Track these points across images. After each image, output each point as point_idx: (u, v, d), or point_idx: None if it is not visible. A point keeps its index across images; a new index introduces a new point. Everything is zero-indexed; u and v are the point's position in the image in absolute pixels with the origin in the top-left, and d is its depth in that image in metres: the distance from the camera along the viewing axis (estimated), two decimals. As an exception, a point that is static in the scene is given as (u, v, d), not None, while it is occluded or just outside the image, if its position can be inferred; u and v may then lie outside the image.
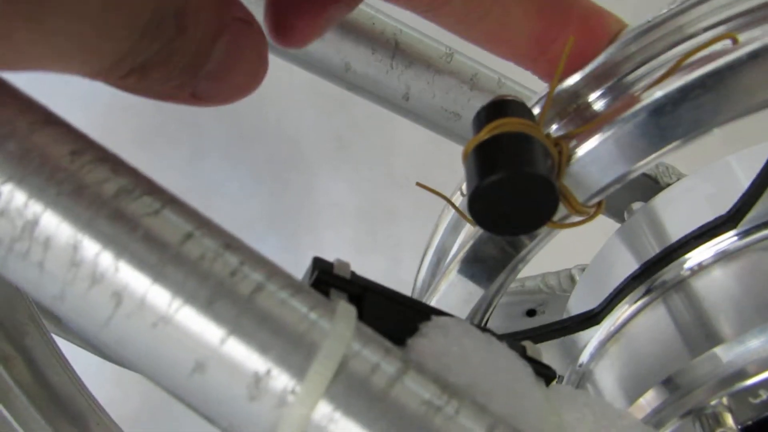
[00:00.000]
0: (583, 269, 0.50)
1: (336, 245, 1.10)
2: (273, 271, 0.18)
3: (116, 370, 0.67)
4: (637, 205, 0.44)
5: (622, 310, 0.35)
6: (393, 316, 0.22)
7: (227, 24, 0.19)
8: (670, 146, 0.24)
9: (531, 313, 0.51)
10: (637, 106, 0.23)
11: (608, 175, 0.24)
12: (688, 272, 0.33)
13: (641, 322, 0.34)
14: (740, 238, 0.34)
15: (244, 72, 0.20)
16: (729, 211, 0.33)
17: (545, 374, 0.22)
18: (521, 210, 0.21)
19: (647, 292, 0.35)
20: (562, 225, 0.26)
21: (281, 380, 0.17)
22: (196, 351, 0.17)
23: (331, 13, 0.22)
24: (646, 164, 0.24)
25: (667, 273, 0.34)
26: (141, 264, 0.17)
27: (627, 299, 0.35)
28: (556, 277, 0.50)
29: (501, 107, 0.23)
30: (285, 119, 1.14)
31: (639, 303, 0.35)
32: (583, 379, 0.37)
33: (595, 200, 0.25)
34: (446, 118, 0.42)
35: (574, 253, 0.52)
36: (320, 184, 1.12)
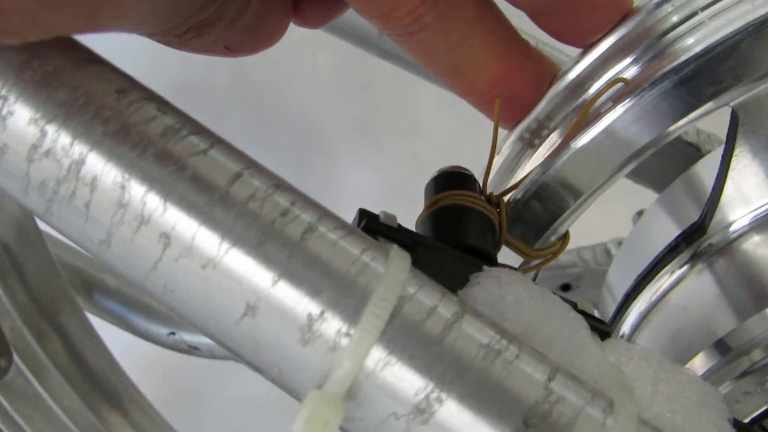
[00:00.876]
0: (619, 243, 0.49)
1: (359, 230, 1.09)
2: (324, 212, 0.18)
3: (144, 356, 0.67)
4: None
5: (664, 279, 0.34)
6: (444, 267, 0.21)
7: None
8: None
9: (566, 287, 0.50)
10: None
11: (561, 212, 0.27)
12: (728, 239, 0.32)
13: (683, 290, 0.33)
14: None
15: (272, 25, 0.21)
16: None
17: (600, 329, 0.22)
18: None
19: (690, 259, 0.34)
20: (527, 269, 0.28)
21: (334, 323, 0.17)
22: (246, 294, 0.17)
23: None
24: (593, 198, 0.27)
25: (712, 238, 0.33)
26: (189, 205, 0.17)
27: (667, 268, 0.34)
28: (591, 251, 0.49)
29: (444, 180, 0.26)
30: (307, 105, 1.13)
31: (680, 271, 0.33)
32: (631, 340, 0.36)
33: (554, 238, 0.27)
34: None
35: (609, 227, 0.51)
36: (343, 169, 1.12)
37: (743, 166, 0.31)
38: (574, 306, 0.23)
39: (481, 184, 0.26)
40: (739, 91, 0.25)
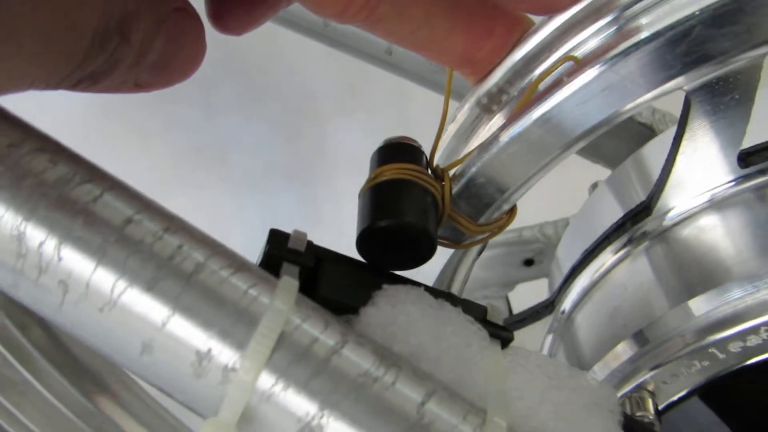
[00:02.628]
0: (581, 217, 0.50)
1: (352, 194, 1.10)
2: (214, 251, 0.19)
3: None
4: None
5: (607, 257, 0.35)
6: (350, 284, 0.22)
7: (166, 17, 0.19)
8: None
9: (529, 262, 0.51)
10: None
11: (507, 188, 0.26)
12: (671, 222, 0.33)
13: (622, 272, 0.34)
14: (735, 185, 0.33)
15: (183, 58, 0.21)
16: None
17: (502, 337, 0.23)
18: (403, 250, 0.23)
19: (634, 239, 0.35)
20: (471, 243, 0.27)
21: (223, 356, 0.18)
22: (141, 333, 0.18)
23: (271, 3, 0.22)
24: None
25: (650, 223, 0.33)
26: (83, 251, 0.18)
27: (611, 247, 0.35)
28: (553, 226, 0.50)
29: (387, 152, 0.25)
30: (296, 70, 1.13)
31: (621, 252, 0.34)
32: (565, 326, 0.37)
33: (499, 213, 0.27)
34: (432, 71, 0.42)
35: (572, 202, 0.52)
36: (335, 134, 1.12)
37: (693, 150, 0.31)
38: (484, 313, 0.24)
39: (429, 156, 0.26)
40: (691, 75, 0.25)
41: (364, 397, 0.18)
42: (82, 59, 0.17)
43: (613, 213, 0.37)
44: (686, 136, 0.29)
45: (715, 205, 0.31)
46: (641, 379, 0.28)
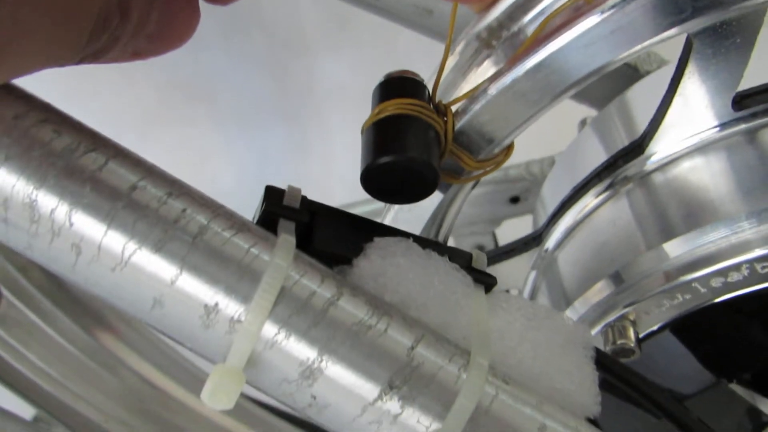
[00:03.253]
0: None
1: (342, 128, 1.10)
2: (216, 212, 0.20)
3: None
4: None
5: (593, 197, 0.37)
6: (344, 236, 0.24)
7: None
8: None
9: (515, 200, 0.53)
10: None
11: (509, 125, 0.26)
12: (658, 164, 0.34)
13: (605, 213, 0.36)
14: (727, 127, 0.33)
15: (178, 26, 0.21)
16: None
17: (485, 282, 0.25)
18: (407, 184, 0.24)
19: (613, 183, 0.36)
20: (469, 179, 0.28)
21: (230, 309, 0.20)
22: (152, 289, 0.19)
23: None
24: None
25: (636, 165, 0.34)
26: (93, 217, 0.19)
27: (593, 190, 0.36)
28: (539, 164, 0.51)
29: (390, 87, 0.25)
30: (283, 2, 1.10)
31: (604, 194, 0.36)
32: (548, 264, 0.39)
33: (498, 150, 0.27)
34: (418, 14, 0.42)
35: (559, 140, 0.53)
36: (323, 67, 1.11)
37: (690, 92, 0.31)
38: (469, 260, 0.26)
39: (431, 91, 0.26)
40: (700, 20, 0.25)
41: (359, 343, 0.20)
42: (88, 39, 0.18)
43: (598, 155, 0.38)
44: (685, 77, 0.30)
45: (705, 147, 0.32)
46: (614, 317, 0.31)
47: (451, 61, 0.29)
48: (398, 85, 0.25)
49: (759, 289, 0.28)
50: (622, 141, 0.37)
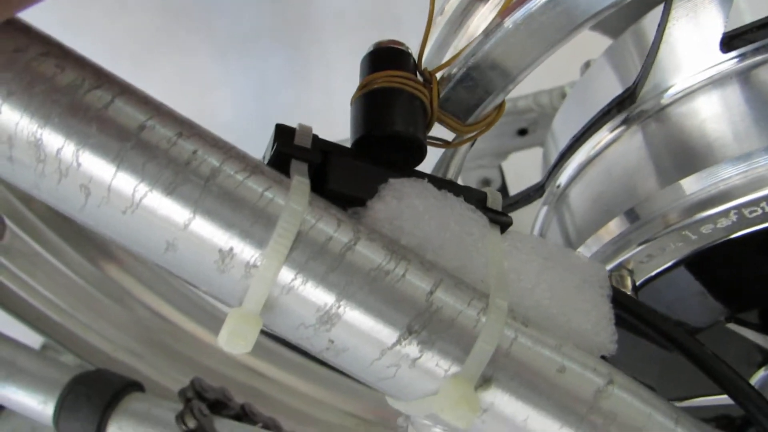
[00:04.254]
0: (576, 87, 0.50)
1: (342, 57, 1.08)
2: (228, 154, 0.19)
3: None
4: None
5: (599, 138, 0.36)
6: (358, 177, 0.23)
7: None
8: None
9: (522, 132, 0.52)
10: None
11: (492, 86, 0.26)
12: (665, 102, 0.33)
13: (617, 150, 0.35)
14: (737, 62, 0.32)
15: None
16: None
17: (501, 221, 0.24)
18: (396, 156, 0.24)
19: (621, 123, 0.35)
20: (461, 142, 0.28)
21: (245, 254, 0.19)
22: (165, 233, 0.19)
23: None
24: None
25: (641, 105, 0.33)
26: (101, 157, 0.18)
27: (603, 129, 0.35)
28: (548, 95, 0.50)
29: (377, 59, 0.26)
30: None
31: (616, 131, 0.35)
32: (559, 200, 0.38)
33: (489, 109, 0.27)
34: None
35: (568, 69, 0.51)
36: (322, -9, 1.07)
37: (675, 39, 0.31)
38: (484, 200, 0.25)
39: (417, 59, 0.26)
40: None
41: (377, 289, 0.19)
42: None
43: (612, 89, 0.37)
44: (669, 24, 0.29)
45: (709, 84, 0.31)
46: (629, 254, 0.30)
47: (441, 20, 0.28)
48: (384, 57, 0.26)
49: (760, 228, 0.27)
50: (631, 78, 0.36)
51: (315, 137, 0.23)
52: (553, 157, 0.40)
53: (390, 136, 0.24)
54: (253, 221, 0.19)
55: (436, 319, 0.20)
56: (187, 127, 0.19)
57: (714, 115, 0.30)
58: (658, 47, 0.32)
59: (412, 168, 0.25)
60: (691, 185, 0.29)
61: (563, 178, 0.38)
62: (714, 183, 0.28)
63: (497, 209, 0.25)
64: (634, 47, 0.38)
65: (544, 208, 0.40)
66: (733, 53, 0.30)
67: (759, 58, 0.30)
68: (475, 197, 0.25)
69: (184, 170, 0.19)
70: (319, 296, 0.19)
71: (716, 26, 0.30)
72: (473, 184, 0.55)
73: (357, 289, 0.19)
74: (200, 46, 1.03)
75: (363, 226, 0.20)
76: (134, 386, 0.45)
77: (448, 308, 0.20)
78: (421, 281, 0.20)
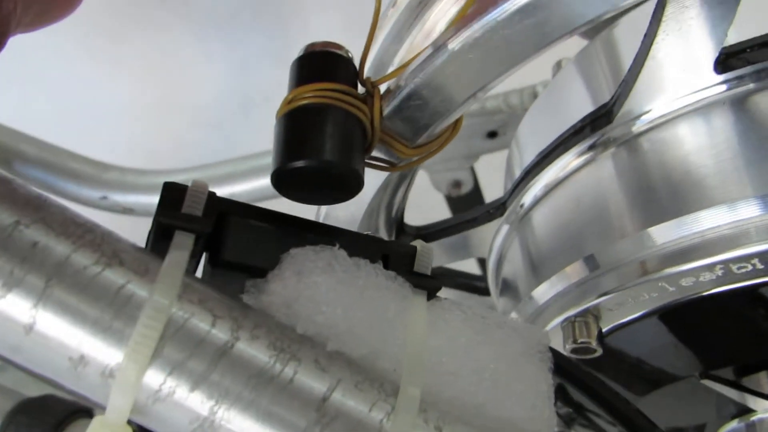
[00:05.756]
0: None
1: (325, 29, 1.03)
2: (79, 243, 0.16)
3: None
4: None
5: (571, 158, 0.32)
6: (259, 243, 0.20)
7: None
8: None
9: (492, 134, 0.48)
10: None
11: (464, 91, 0.22)
12: (639, 129, 0.28)
13: (590, 174, 0.31)
14: (733, 86, 0.27)
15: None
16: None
17: (428, 287, 0.21)
18: (326, 188, 0.21)
19: (594, 146, 0.31)
20: (408, 165, 0.24)
21: (100, 361, 0.16)
22: (6, 336, 0.16)
23: None
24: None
25: (616, 129, 0.30)
26: None
27: (574, 150, 0.31)
28: (518, 95, 0.46)
29: (307, 66, 0.21)
30: None
31: (585, 156, 0.31)
32: (522, 221, 0.35)
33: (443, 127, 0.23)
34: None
35: (541, 67, 0.48)
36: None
37: (664, 55, 0.26)
38: (411, 258, 0.22)
39: (358, 66, 0.22)
40: None
41: (260, 396, 0.17)
42: None
43: (583, 103, 0.33)
44: (658, 38, 0.25)
45: (696, 110, 0.27)
46: (597, 301, 0.27)
47: (393, 13, 0.24)
48: (318, 65, 0.22)
49: (748, 285, 0.24)
50: (608, 91, 0.32)
51: (211, 197, 0.20)
52: (517, 171, 0.37)
53: (318, 167, 0.20)
54: (108, 325, 0.16)
55: (331, 429, 0.17)
56: (29, 212, 0.16)
57: (700, 148, 0.26)
58: (642, 63, 0.27)
59: (347, 199, 0.22)
60: (669, 232, 0.25)
61: (527, 198, 0.35)
62: (698, 232, 0.25)
63: (426, 268, 0.22)
64: (605, 59, 0.35)
65: (506, 227, 0.37)
66: (729, 75, 0.26)
67: (760, 83, 0.26)
68: (401, 256, 0.22)
69: (21, 266, 0.16)
70: (193, 404, 0.17)
71: (710, 44, 0.26)
72: (443, 187, 0.52)
73: (236, 398, 0.16)
74: (178, 22, 0.99)
75: (248, 319, 0.17)
76: (80, 413, 0.42)
77: (346, 415, 0.17)
78: (314, 384, 0.17)
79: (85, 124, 0.94)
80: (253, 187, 0.49)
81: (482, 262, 0.47)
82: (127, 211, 0.52)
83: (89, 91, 0.97)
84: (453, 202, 0.54)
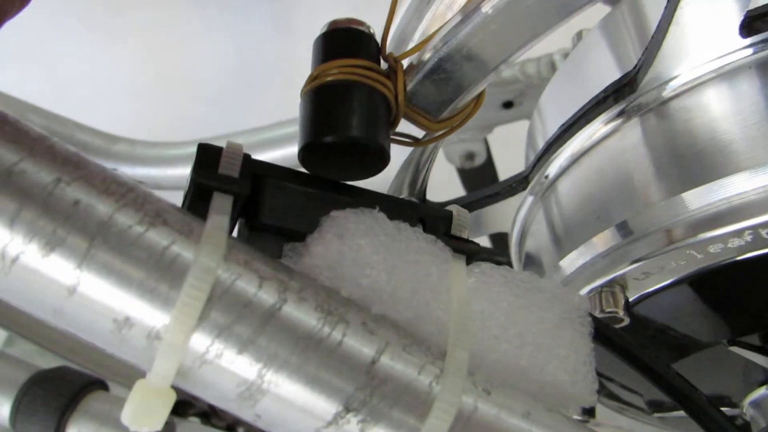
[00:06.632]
0: (565, 55, 0.45)
1: (328, 5, 1.02)
2: (122, 202, 0.16)
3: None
4: None
5: (596, 128, 0.31)
6: (296, 205, 0.20)
7: None
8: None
9: (508, 105, 0.47)
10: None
11: (492, 60, 0.22)
12: (675, 92, 0.27)
13: (614, 144, 0.30)
14: (759, 50, 0.26)
15: None
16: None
17: (467, 250, 0.21)
18: (352, 163, 0.21)
19: (621, 113, 0.30)
20: (432, 140, 0.24)
21: (146, 323, 0.16)
22: (48, 298, 0.16)
23: None
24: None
25: (643, 95, 0.29)
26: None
27: (600, 118, 0.31)
28: (535, 64, 0.45)
29: (331, 43, 0.21)
30: None
31: (612, 124, 0.30)
32: (547, 192, 0.35)
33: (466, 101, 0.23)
34: None
35: (557, 34, 0.47)
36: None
37: (688, 19, 0.26)
38: (448, 221, 0.22)
39: (381, 42, 0.22)
40: None
41: (309, 360, 0.16)
42: None
43: (608, 72, 0.33)
44: (682, 3, 0.24)
45: (722, 75, 0.26)
46: (623, 270, 0.27)
47: None
48: (340, 41, 0.21)
49: None
50: (635, 57, 0.32)
51: (246, 159, 0.20)
52: (540, 142, 0.37)
53: (345, 142, 0.20)
54: (154, 286, 0.16)
55: (380, 393, 0.16)
56: (69, 170, 0.16)
57: (727, 113, 0.26)
58: (666, 30, 0.27)
59: (373, 174, 0.21)
60: (699, 199, 0.25)
61: (552, 169, 0.34)
62: (726, 198, 0.24)
63: (463, 233, 0.21)
64: (632, 24, 0.34)
65: (530, 198, 0.36)
66: (755, 38, 0.26)
67: None
68: (438, 221, 0.21)
69: (63, 225, 0.15)
70: (239, 369, 0.16)
71: (735, 7, 0.26)
72: (456, 159, 0.52)
73: (283, 363, 0.16)
74: (176, -4, 0.97)
75: (294, 281, 0.17)
76: (96, 384, 0.42)
77: (395, 379, 0.17)
78: (363, 347, 0.17)
79: (84, 99, 0.93)
80: (267, 158, 0.48)
81: (497, 238, 0.47)
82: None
83: (88, 66, 0.95)
84: (465, 174, 0.54)
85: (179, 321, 0.16)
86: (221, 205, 0.18)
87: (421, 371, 0.17)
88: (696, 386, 0.23)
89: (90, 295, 0.15)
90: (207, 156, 0.19)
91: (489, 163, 0.52)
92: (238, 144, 0.20)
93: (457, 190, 0.64)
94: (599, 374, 0.21)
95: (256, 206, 0.19)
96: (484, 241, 0.53)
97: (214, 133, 0.70)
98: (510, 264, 0.39)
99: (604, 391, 0.32)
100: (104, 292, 0.15)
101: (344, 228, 0.19)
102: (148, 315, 0.16)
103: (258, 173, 0.20)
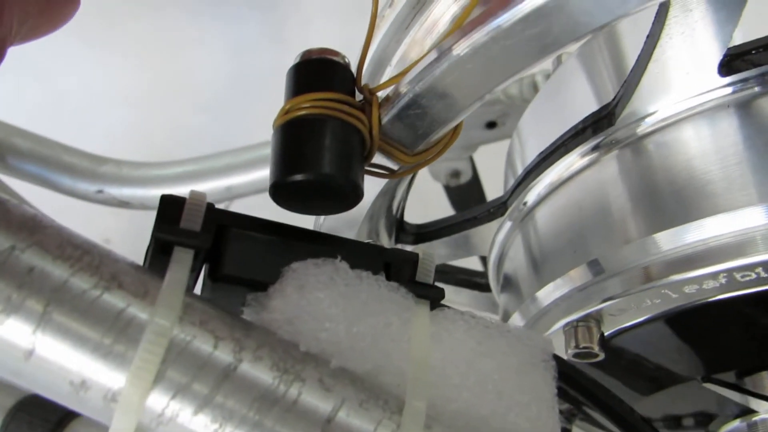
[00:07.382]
0: (547, 75, 0.46)
1: (321, 14, 1.02)
2: (77, 266, 0.16)
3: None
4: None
5: (573, 159, 0.31)
6: (260, 256, 0.20)
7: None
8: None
9: (491, 125, 0.48)
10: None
11: (465, 99, 0.22)
12: (652, 127, 0.27)
13: (592, 176, 0.30)
14: (737, 89, 0.26)
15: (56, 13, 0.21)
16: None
17: (431, 297, 0.21)
18: (325, 199, 0.20)
19: (598, 146, 0.30)
20: (408, 171, 0.24)
21: (102, 385, 0.16)
22: (8, 361, 0.16)
23: None
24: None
25: (620, 131, 0.29)
26: None
27: (578, 150, 0.31)
28: (518, 85, 0.46)
29: (304, 75, 0.21)
30: None
31: (592, 155, 0.30)
32: (525, 219, 0.35)
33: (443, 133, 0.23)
34: None
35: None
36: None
37: (668, 57, 0.26)
38: (414, 267, 0.22)
39: (355, 72, 0.22)
40: None
41: (264, 420, 0.16)
42: None
43: (586, 101, 0.33)
44: (662, 40, 0.24)
45: (700, 113, 0.26)
46: (598, 306, 0.27)
47: (390, 14, 0.24)
48: (314, 73, 0.21)
49: (752, 293, 0.24)
50: (612, 90, 0.32)
51: (209, 209, 0.20)
52: (519, 167, 0.37)
53: (317, 180, 0.20)
54: (110, 349, 0.16)
55: (336, 451, 0.17)
56: (24, 236, 0.16)
57: (705, 153, 0.26)
58: (645, 66, 0.27)
59: (347, 209, 0.21)
60: (675, 239, 0.25)
61: (530, 196, 0.34)
62: (702, 240, 0.24)
63: (429, 276, 0.22)
64: (608, 56, 0.34)
65: (508, 224, 0.36)
66: (734, 77, 0.26)
67: (765, 87, 0.25)
68: (403, 264, 0.22)
69: (18, 292, 0.15)
70: (197, 427, 0.16)
71: (715, 46, 0.25)
72: (442, 176, 0.52)
73: (240, 422, 0.16)
74: (171, 4, 0.98)
75: (250, 339, 0.17)
76: (82, 409, 0.42)
77: (351, 436, 0.17)
78: (318, 404, 0.17)
79: (80, 110, 0.93)
80: (252, 179, 0.49)
81: (484, 260, 0.47)
82: (123, 204, 0.52)
83: (83, 77, 0.95)
84: (451, 191, 0.54)
85: (135, 382, 0.16)
86: (181, 259, 0.18)
87: (377, 426, 0.17)
88: (672, 415, 0.23)
89: (47, 358, 0.16)
90: (169, 208, 0.19)
91: (475, 180, 0.52)
92: (201, 194, 0.20)
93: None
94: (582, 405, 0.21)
95: (219, 257, 0.20)
96: (474, 262, 0.53)
97: (210, 143, 0.70)
98: (488, 286, 0.39)
99: (579, 415, 0.32)
100: (61, 355, 0.16)
101: (304, 280, 0.19)
102: (105, 377, 0.16)
103: (222, 223, 0.20)
